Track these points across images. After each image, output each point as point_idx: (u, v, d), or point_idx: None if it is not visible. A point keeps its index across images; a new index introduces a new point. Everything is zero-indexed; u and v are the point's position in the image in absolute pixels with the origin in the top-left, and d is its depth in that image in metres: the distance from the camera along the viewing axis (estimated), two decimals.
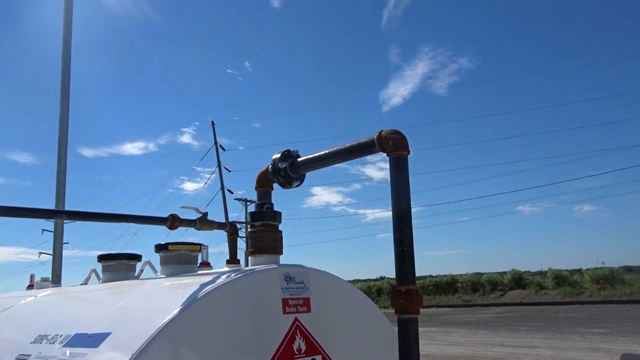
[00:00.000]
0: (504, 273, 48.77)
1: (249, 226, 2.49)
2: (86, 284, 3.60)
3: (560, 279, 43.31)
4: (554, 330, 19.79)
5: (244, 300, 2.07)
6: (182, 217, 2.61)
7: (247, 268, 2.25)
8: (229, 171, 44.77)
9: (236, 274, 2.12)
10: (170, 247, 2.80)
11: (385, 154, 2.04)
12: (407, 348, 1.81)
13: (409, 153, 1.99)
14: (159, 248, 2.87)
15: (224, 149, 44.65)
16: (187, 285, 2.22)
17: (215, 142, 44.17)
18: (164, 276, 2.81)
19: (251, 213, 2.44)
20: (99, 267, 3.58)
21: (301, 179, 2.44)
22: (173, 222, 2.41)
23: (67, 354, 1.99)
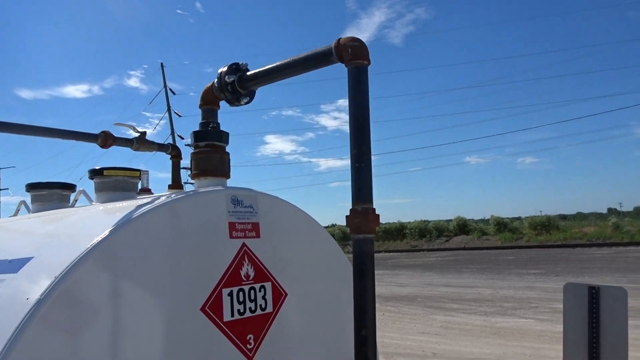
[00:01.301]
0: (450, 220, 50.65)
1: (193, 147, 2.27)
2: (15, 215, 3.31)
3: (502, 225, 45.47)
4: (495, 271, 20.86)
5: (185, 223, 1.89)
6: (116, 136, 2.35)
7: (189, 190, 2.05)
8: (179, 116, 43.32)
9: (177, 195, 1.92)
10: (105, 172, 2.55)
11: (344, 65, 1.85)
12: (362, 268, 1.70)
13: (369, 63, 1.81)
14: (94, 174, 2.61)
15: (174, 93, 42.96)
16: (122, 209, 2.01)
17: (165, 86, 42.36)
18: (98, 204, 2.57)
19: (195, 132, 2.23)
20: (28, 198, 3.29)
21: (250, 95, 2.23)
22: (105, 139, 2.16)
23: None
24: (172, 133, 42.81)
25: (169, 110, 42.98)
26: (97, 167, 2.62)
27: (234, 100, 2.19)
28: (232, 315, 1.97)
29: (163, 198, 1.92)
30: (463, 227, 48.08)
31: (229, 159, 2.28)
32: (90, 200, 2.81)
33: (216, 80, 2.18)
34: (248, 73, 2.15)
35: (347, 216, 1.76)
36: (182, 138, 43.68)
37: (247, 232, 2.09)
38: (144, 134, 2.37)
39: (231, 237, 2.02)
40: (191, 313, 1.83)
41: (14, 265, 1.73)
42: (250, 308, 2.05)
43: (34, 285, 1.56)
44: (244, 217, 2.10)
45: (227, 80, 2.14)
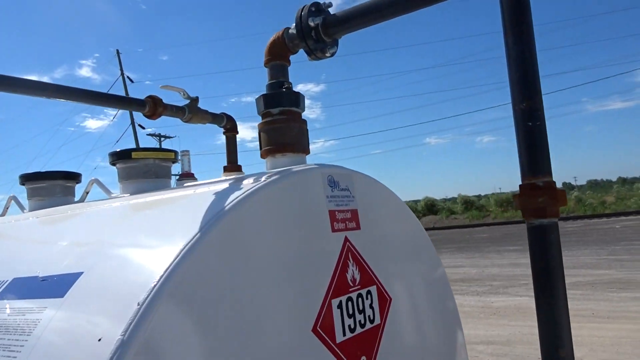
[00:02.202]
0: (418, 201, 51.03)
1: (261, 116, 1.75)
2: (3, 215, 2.69)
3: (469, 203, 46.13)
4: (473, 250, 20.89)
5: (287, 216, 1.39)
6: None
7: (278, 170, 1.54)
8: None
9: (267, 178, 1.40)
10: (134, 154, 2.00)
11: None
12: (550, 265, 1.25)
13: None
14: (118, 157, 2.05)
15: (132, 81, 41.16)
16: (189, 199, 1.48)
17: (122, 73, 40.54)
18: (127, 195, 2.01)
19: (265, 97, 1.70)
20: (20, 193, 2.68)
21: (336, 45, 1.72)
22: (155, 107, 1.61)
23: (8, 312, 1.22)
24: (132, 123, 41.24)
25: None
26: (118, 150, 2.06)
27: (318, 51, 1.68)
28: (344, 334, 1.48)
29: (248, 182, 1.40)
30: (431, 207, 48.48)
31: (308, 130, 1.77)
32: (109, 192, 2.24)
33: (294, 25, 1.66)
34: (336, 14, 1.63)
35: (517, 194, 1.29)
36: (143, 128, 42.18)
37: (347, 222, 1.60)
38: (196, 100, 1.82)
39: (333, 230, 1.53)
40: (301, 336, 1.33)
41: (56, 285, 1.19)
42: (359, 322, 1.57)
43: (103, 318, 1.03)
44: (343, 203, 1.60)
45: (312, 24, 1.62)
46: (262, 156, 1.72)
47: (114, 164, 2.09)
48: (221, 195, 1.34)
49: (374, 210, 1.75)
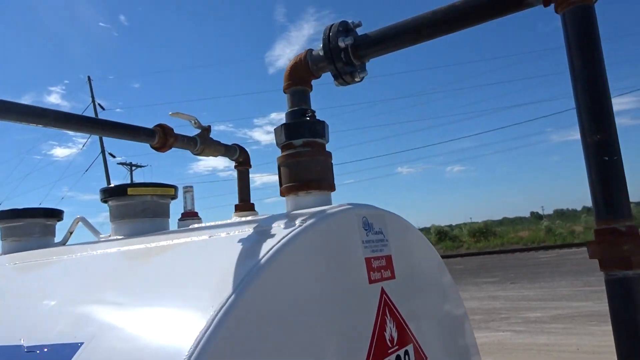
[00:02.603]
0: None
1: (280, 149, 1.55)
2: None
3: (442, 234, 46.38)
4: None
5: (325, 266, 1.18)
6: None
7: (309, 212, 1.33)
8: None
9: (302, 222, 1.20)
10: (130, 190, 1.77)
11: (546, 8, 1.24)
12: (636, 319, 1.07)
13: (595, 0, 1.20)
14: (111, 193, 1.81)
15: (103, 108, 40.44)
16: (208, 246, 1.26)
17: (93, 100, 39.84)
18: (121, 237, 1.77)
19: (286, 126, 1.51)
20: None
21: (364, 68, 1.56)
22: (165, 137, 1.38)
23: None
24: (103, 151, 40.39)
25: None
26: (113, 184, 1.83)
27: (347, 75, 1.50)
28: None
29: (278, 227, 1.19)
30: None
31: (332, 163, 1.58)
32: (97, 233, 1.99)
33: (322, 47, 1.49)
34: (369, 34, 1.47)
35: (593, 242, 1.12)
36: (114, 156, 41.34)
37: (382, 271, 1.40)
38: (208, 129, 1.61)
39: (370, 281, 1.33)
40: None
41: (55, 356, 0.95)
42: None
43: None
44: (377, 248, 1.41)
45: (342, 44, 1.45)
46: (283, 194, 1.52)
47: (105, 201, 1.86)
48: (249, 243, 1.13)
49: (405, 253, 1.56)
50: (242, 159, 1.85)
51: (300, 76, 1.56)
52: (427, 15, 1.38)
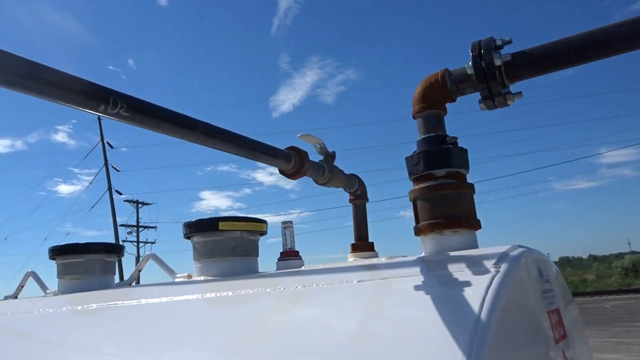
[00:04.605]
0: None
1: (413, 182, 1.33)
2: (15, 297, 2.14)
3: None
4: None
5: (520, 327, 0.94)
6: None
7: (469, 253, 1.09)
8: (118, 170, 40.97)
9: (495, 269, 0.95)
10: (222, 225, 1.54)
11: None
12: None
13: None
14: (198, 228, 1.58)
15: (111, 147, 40.66)
16: (382, 293, 1.02)
17: (102, 138, 40.12)
18: (210, 278, 1.52)
19: (425, 154, 1.29)
20: (47, 268, 2.16)
21: (518, 91, 1.35)
22: (301, 163, 1.16)
23: None
24: (109, 188, 40.39)
25: (106, 164, 40.62)
26: (195, 219, 1.61)
27: (499, 97, 1.29)
28: None
29: (459, 271, 0.95)
30: None
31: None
32: (171, 272, 1.74)
33: (470, 64, 1.28)
34: (527, 51, 1.27)
35: None
36: (120, 194, 41.31)
37: (558, 328, 1.15)
38: (333, 156, 1.39)
39: (555, 340, 1.08)
40: None
41: None
42: None
43: None
44: (550, 300, 1.16)
45: (498, 62, 1.24)
46: (421, 232, 1.28)
47: (188, 237, 1.62)
48: (440, 293, 0.89)
49: (565, 305, 1.31)
50: (359, 192, 1.62)
51: (435, 98, 1.35)
52: (600, 32, 1.19)
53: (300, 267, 1.56)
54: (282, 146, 1.30)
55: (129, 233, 40.87)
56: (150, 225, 42.14)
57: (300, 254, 1.59)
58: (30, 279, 2.11)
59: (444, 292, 0.89)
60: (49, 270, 2.08)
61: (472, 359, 0.70)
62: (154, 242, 40.34)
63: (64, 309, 1.63)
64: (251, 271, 1.60)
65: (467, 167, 1.31)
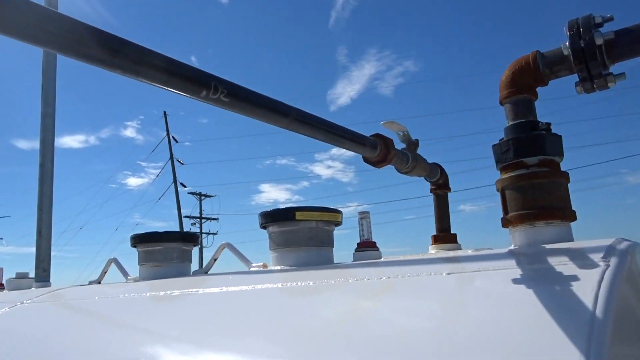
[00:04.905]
0: None
1: (500, 170, 1.26)
2: (99, 282, 2.24)
3: None
4: None
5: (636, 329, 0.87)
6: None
7: (567, 246, 1.02)
8: (182, 164, 42.45)
9: (605, 262, 0.89)
10: (299, 215, 1.53)
11: None
12: None
13: None
14: (274, 218, 1.58)
15: (176, 141, 42.16)
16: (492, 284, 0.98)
17: (168, 133, 41.69)
18: (287, 268, 1.52)
19: (516, 141, 1.22)
20: (123, 256, 2.25)
21: (620, 73, 1.25)
22: (387, 151, 1.15)
23: None
24: (174, 181, 41.95)
25: (171, 157, 42.18)
26: (272, 209, 1.61)
27: (600, 79, 1.20)
28: None
29: (562, 264, 0.89)
30: None
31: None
32: (246, 261, 1.76)
33: (567, 43, 1.20)
34: (630, 28, 1.17)
35: None
36: (185, 186, 42.79)
37: None
38: (416, 144, 1.37)
39: None
40: None
41: None
42: None
43: None
44: None
45: (599, 40, 1.15)
46: (510, 223, 1.22)
47: (264, 227, 1.63)
48: (543, 287, 0.83)
49: None
50: (442, 181, 1.58)
51: (525, 82, 1.28)
52: None
53: (379, 259, 1.53)
54: None
55: (193, 224, 42.28)
56: (213, 217, 43.40)
57: (377, 246, 1.56)
58: (112, 265, 2.21)
59: (548, 287, 0.83)
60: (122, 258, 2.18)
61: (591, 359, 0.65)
62: (215, 234, 41.48)
63: (146, 294, 1.69)
64: (327, 261, 1.59)
65: (561, 154, 1.23)
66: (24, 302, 1.89)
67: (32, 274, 2.59)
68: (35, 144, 2.89)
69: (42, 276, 2.62)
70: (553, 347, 0.68)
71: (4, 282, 2.58)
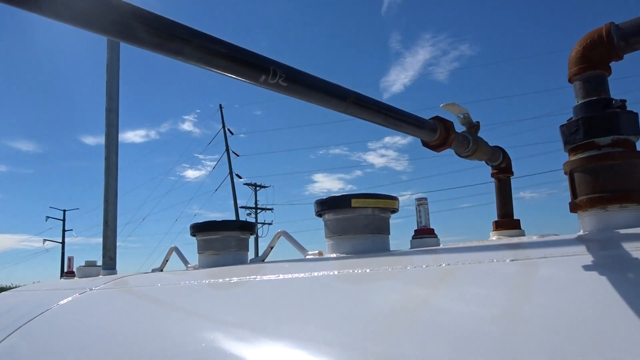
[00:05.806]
0: None
1: (569, 152, 1.19)
2: (161, 270, 2.32)
3: None
4: None
5: None
6: None
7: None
8: (237, 155, 43.34)
9: None
10: (354, 202, 1.51)
11: None
12: None
13: None
14: (331, 205, 1.57)
15: (232, 133, 43.07)
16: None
17: (224, 125, 42.66)
18: (344, 255, 1.51)
19: (586, 120, 1.14)
20: (183, 245, 2.30)
21: None
22: (447, 134, 1.12)
23: None
24: (230, 172, 42.93)
25: (227, 150, 43.16)
26: (328, 197, 1.59)
27: None
28: None
29: (636, 250, 0.82)
30: None
31: None
32: (303, 250, 1.76)
33: None
34: None
35: None
36: (240, 177, 43.71)
37: None
38: (477, 127, 1.32)
39: None
40: None
41: None
42: None
43: None
44: None
45: None
46: (579, 207, 1.14)
47: (320, 215, 1.62)
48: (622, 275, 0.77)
49: None
50: (504, 165, 1.51)
51: (598, 57, 1.19)
52: None
53: (437, 246, 1.49)
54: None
55: (248, 214, 43.18)
56: (268, 207, 44.16)
57: (435, 232, 1.51)
58: (173, 253, 2.27)
59: (623, 274, 0.77)
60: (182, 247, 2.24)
61: None
62: (270, 224, 42.22)
63: (205, 281, 1.72)
64: (383, 249, 1.56)
65: (637, 133, 1.14)
66: (93, 288, 1.99)
67: (99, 262, 2.72)
68: (101, 140, 3.03)
69: (109, 264, 2.75)
70: (629, 337, 0.63)
71: (74, 269, 2.73)
